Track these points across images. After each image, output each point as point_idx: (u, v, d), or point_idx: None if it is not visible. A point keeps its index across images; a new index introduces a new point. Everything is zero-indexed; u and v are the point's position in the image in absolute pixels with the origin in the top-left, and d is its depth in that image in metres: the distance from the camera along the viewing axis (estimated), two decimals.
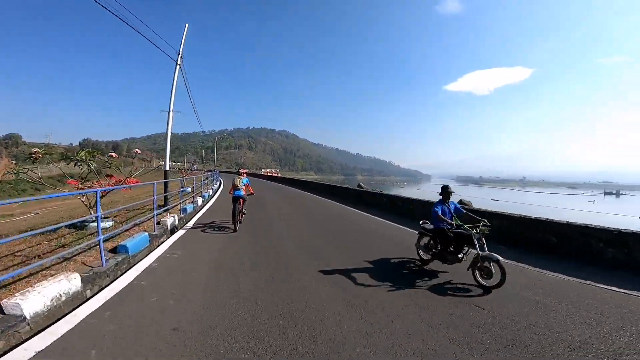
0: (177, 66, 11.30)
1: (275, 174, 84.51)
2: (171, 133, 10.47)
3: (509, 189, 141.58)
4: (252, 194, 8.90)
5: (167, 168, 10.18)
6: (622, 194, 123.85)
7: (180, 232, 7.62)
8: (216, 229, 8.45)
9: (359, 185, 20.30)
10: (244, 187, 8.39)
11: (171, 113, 10.31)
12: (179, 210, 9.39)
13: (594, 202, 78.50)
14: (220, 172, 66.98)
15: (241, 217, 8.57)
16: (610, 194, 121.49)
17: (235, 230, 7.95)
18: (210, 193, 17.20)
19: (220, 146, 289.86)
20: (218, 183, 29.14)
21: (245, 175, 8.88)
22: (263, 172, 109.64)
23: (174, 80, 10.78)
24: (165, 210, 8.96)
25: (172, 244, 6.51)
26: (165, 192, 9.42)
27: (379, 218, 11.13)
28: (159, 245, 6.36)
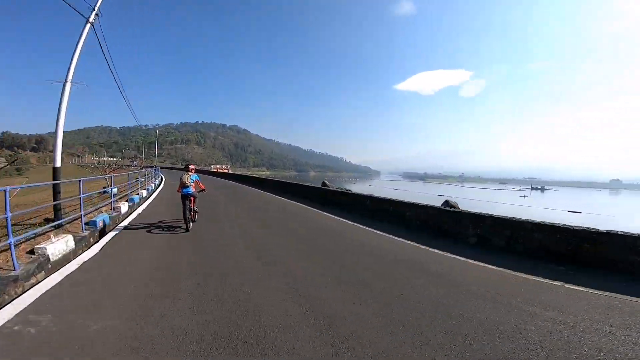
0: (88, 24, 8.16)
1: (226, 170, 79.54)
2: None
3: (450, 184, 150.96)
4: (203, 190, 8.55)
5: (58, 164, 6.76)
6: (546, 189, 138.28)
7: (73, 265, 4.86)
8: (157, 234, 6.31)
9: (324, 184, 18.22)
10: (193, 184, 7.97)
11: (68, 84, 7.11)
12: (82, 226, 6.43)
13: (524, 196, 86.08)
14: (163, 168, 61.27)
15: (193, 216, 8.11)
16: (537, 189, 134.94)
17: (187, 230, 7.35)
18: (144, 195, 13.96)
19: (165, 141, 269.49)
20: (158, 180, 25.28)
21: (194, 171, 8.52)
22: (212, 168, 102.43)
23: (79, 41, 7.65)
24: (56, 227, 6.03)
25: (47, 291, 3.79)
26: (55, 200, 6.39)
27: (363, 227, 9.12)
28: (17, 297, 3.65)
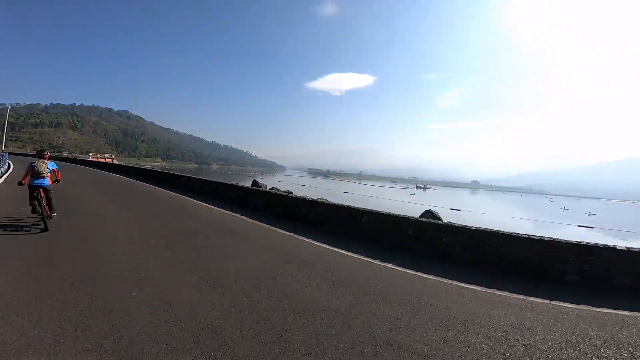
0: None
1: (109, 160, 67.76)
2: None
3: (350, 182, 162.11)
4: (58, 180, 7.46)
5: None
6: (427, 187, 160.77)
7: None
8: None
9: (255, 183, 16.78)
10: (49, 174, 6.85)
11: None
12: None
13: (414, 194, 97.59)
14: (15, 154, 49.73)
15: (50, 213, 6.70)
16: (420, 187, 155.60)
17: (46, 229, 6.23)
18: None
19: (26, 123, 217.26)
20: (2, 170, 19.83)
21: (48, 157, 7.18)
22: (91, 157, 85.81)
23: None
24: None
25: None
26: None
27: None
28: None
